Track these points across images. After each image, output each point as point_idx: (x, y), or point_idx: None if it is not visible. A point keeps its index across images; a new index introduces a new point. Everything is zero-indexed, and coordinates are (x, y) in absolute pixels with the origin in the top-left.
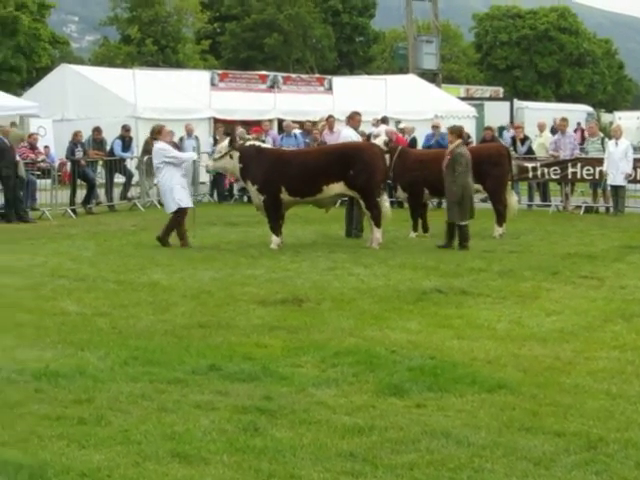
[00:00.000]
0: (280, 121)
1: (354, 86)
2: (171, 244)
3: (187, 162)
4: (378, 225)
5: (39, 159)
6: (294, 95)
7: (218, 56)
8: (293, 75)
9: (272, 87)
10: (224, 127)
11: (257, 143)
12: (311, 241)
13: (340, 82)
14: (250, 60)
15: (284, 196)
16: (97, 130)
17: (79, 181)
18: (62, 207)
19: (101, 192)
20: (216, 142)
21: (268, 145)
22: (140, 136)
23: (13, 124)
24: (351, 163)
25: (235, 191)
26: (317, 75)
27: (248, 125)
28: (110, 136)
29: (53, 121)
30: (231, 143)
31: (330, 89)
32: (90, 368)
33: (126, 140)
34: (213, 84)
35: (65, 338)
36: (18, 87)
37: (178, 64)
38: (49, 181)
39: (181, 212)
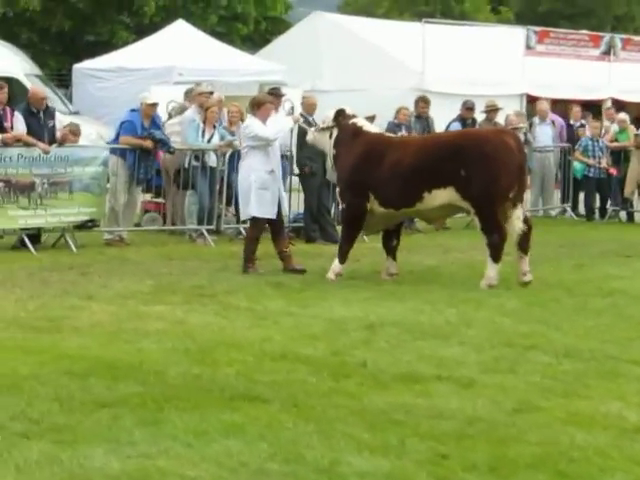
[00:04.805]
0: (615, 102)
1: None
2: (258, 270)
3: (276, 141)
4: (496, 258)
5: None
6: (635, 66)
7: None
8: (636, 37)
9: (607, 53)
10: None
11: (360, 122)
12: None
13: None
14: (551, 15)
15: (375, 207)
16: (423, 101)
17: None
18: None
19: None
20: None
21: (374, 128)
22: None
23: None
24: (464, 160)
25: (609, 204)
26: None
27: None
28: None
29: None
30: (338, 117)
31: None
32: None
33: (468, 124)
34: (529, 47)
35: None
36: (242, 42)
37: (462, 17)
38: None
39: (258, 224)
